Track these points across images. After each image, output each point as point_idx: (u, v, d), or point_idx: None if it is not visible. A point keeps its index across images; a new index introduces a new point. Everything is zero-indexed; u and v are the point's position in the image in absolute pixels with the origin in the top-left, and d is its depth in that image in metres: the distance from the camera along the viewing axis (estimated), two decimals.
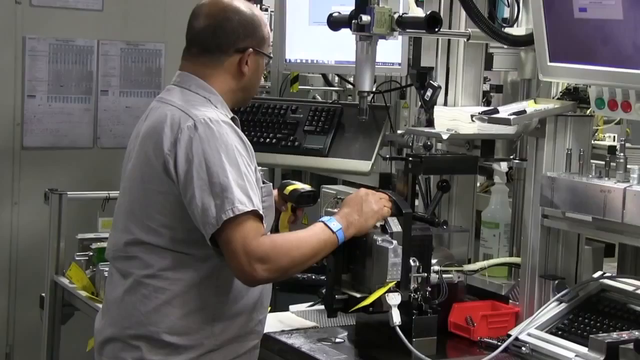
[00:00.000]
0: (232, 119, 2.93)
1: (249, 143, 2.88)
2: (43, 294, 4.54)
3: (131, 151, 2.97)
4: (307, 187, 3.28)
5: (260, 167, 2.99)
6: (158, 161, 2.81)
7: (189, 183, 2.75)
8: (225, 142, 2.77)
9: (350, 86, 4.99)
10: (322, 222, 2.92)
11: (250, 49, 2.93)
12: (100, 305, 3.95)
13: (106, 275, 3.96)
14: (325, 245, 2.88)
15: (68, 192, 4.55)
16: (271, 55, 3.07)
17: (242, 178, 2.76)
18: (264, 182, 2.97)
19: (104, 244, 4.27)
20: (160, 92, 3.06)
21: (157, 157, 2.81)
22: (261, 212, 2.77)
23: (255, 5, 3.03)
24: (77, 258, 4.33)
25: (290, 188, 3.25)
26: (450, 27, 3.68)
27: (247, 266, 2.70)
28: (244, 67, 2.94)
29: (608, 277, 3.16)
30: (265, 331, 3.08)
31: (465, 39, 3.60)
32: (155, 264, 2.84)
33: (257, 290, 2.94)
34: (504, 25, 3.67)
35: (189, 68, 2.97)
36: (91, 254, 4.27)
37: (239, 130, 2.87)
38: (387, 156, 4.08)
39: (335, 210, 3.03)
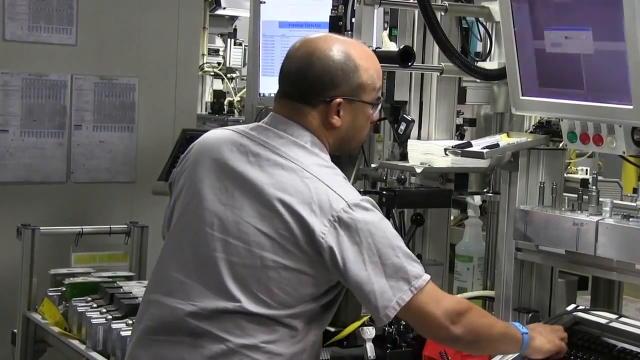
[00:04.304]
0: None
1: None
2: (15, 330, 4.50)
3: (224, 200, 2.70)
4: None
5: None
6: (303, 239, 2.60)
7: (358, 268, 2.59)
8: (380, 217, 2.66)
9: None
10: (511, 323, 2.93)
11: (339, 99, 2.69)
12: (72, 341, 3.93)
13: (79, 310, 3.93)
14: (509, 338, 2.83)
15: (41, 227, 4.52)
16: (373, 101, 2.76)
17: (405, 246, 2.66)
18: None
19: (77, 279, 4.26)
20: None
21: (303, 234, 2.60)
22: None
23: (361, 44, 2.86)
24: (49, 294, 4.28)
25: None
26: (423, 61, 3.70)
27: (445, 323, 2.64)
28: (331, 117, 2.70)
29: (581, 310, 3.15)
30: None
31: (438, 73, 3.62)
32: (258, 335, 2.62)
33: None
34: (477, 59, 3.70)
35: (283, 113, 2.77)
36: (64, 289, 4.23)
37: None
38: (361, 190, 4.08)
39: None
